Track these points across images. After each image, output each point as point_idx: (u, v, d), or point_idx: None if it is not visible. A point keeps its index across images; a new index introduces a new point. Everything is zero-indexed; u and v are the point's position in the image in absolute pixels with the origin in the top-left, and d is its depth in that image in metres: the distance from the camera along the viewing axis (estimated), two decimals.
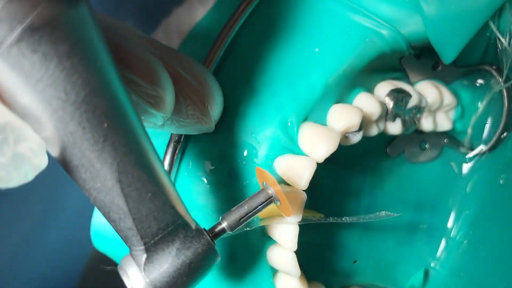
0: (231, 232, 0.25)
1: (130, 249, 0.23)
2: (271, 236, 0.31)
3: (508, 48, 0.33)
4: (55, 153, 0.20)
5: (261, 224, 0.30)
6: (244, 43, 0.32)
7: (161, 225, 0.22)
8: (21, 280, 0.48)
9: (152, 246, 0.22)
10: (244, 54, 0.32)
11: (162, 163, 0.23)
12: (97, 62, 0.19)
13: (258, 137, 0.30)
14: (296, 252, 0.30)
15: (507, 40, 0.33)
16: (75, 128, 0.19)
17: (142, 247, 0.22)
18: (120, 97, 0.20)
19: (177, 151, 0.30)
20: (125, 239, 0.23)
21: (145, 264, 0.23)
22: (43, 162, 0.18)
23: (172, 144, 0.30)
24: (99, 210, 0.22)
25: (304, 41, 0.32)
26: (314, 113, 0.31)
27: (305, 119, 0.31)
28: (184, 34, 0.36)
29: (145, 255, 0.22)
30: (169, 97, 0.24)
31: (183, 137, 0.30)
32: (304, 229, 0.31)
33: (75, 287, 0.52)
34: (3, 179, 0.18)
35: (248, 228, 0.29)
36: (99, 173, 0.20)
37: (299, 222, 0.29)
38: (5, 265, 0.46)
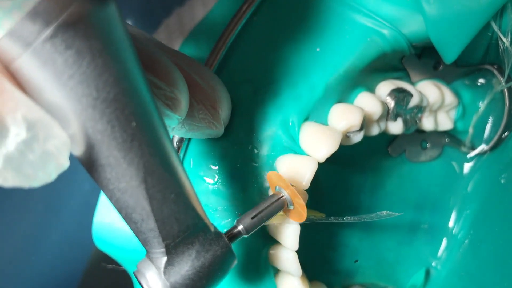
0: (246, 236, 0.26)
1: (148, 252, 0.23)
2: (273, 236, 0.31)
3: (509, 48, 0.33)
4: (80, 151, 0.20)
5: (264, 224, 0.30)
6: (246, 43, 0.32)
7: (183, 227, 0.22)
8: (23, 279, 0.48)
9: (173, 249, 0.22)
10: (246, 54, 0.32)
11: (183, 164, 0.23)
12: (127, 61, 0.19)
13: (260, 137, 0.30)
14: (297, 251, 0.30)
15: (509, 39, 0.33)
16: (104, 126, 0.19)
17: (163, 249, 0.22)
18: (147, 98, 0.20)
19: (179, 150, 0.30)
20: (145, 241, 0.22)
21: (165, 267, 0.22)
22: (66, 162, 0.18)
23: (174, 144, 0.30)
24: (120, 211, 0.22)
25: (305, 41, 0.32)
26: (315, 112, 0.31)
27: (306, 119, 0.31)
28: (185, 34, 0.36)
29: (165, 258, 0.22)
30: (185, 99, 0.24)
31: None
32: (306, 228, 0.31)
33: (76, 287, 0.52)
34: (29, 177, 0.17)
35: None
36: (125, 173, 0.20)
37: (301, 221, 0.29)
38: (6, 265, 0.46)
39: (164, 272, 0.22)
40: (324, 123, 0.32)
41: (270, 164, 0.30)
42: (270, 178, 0.28)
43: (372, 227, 0.41)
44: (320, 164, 0.30)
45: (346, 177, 0.40)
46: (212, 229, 0.24)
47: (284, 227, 0.30)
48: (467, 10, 0.30)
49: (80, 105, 0.18)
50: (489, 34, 0.34)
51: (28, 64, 0.17)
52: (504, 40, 0.33)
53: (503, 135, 0.39)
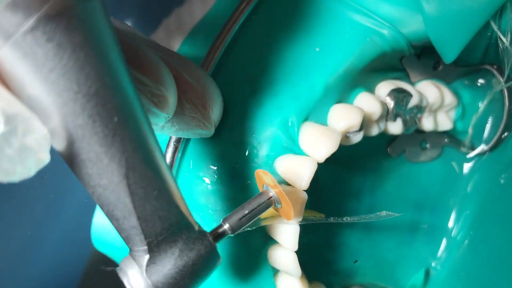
0: (232, 235, 0.25)
1: (131, 250, 0.23)
2: (272, 236, 0.31)
3: (509, 48, 0.33)
4: (61, 146, 0.20)
5: (262, 224, 0.30)
6: (245, 43, 0.32)
7: (165, 224, 0.22)
8: (22, 280, 0.48)
9: (155, 247, 0.22)
10: (245, 54, 0.32)
11: (166, 162, 0.23)
12: (109, 55, 0.19)
13: (259, 137, 0.30)
14: (297, 252, 0.30)
15: (508, 39, 0.33)
16: (85, 121, 0.19)
17: (145, 247, 0.22)
18: (130, 93, 0.20)
19: (177, 151, 0.30)
20: (127, 239, 0.22)
21: (147, 265, 0.22)
22: (46, 157, 0.18)
23: (172, 144, 0.30)
24: (102, 208, 0.22)
25: (304, 41, 0.32)
26: (314, 113, 0.31)
27: (306, 119, 0.31)
28: (185, 33, 0.36)
29: (147, 256, 0.22)
30: (172, 97, 0.24)
31: (183, 137, 0.30)
32: (305, 229, 0.31)
33: (76, 287, 0.51)
34: (7, 172, 0.17)
35: (249, 228, 0.29)
36: (107, 169, 0.20)
37: (300, 222, 0.29)
38: (5, 265, 0.46)
39: (146, 271, 0.22)
40: (324, 123, 0.32)
41: (269, 164, 0.30)
42: (258, 176, 0.28)
43: (371, 227, 0.41)
44: (319, 164, 0.30)
45: (345, 177, 0.39)
46: (196, 228, 0.24)
47: (283, 227, 0.30)
48: (467, 9, 0.30)
49: (60, 99, 0.18)
50: (489, 34, 0.33)
51: (8, 57, 0.17)
52: (504, 40, 0.33)
53: (503, 135, 0.39)
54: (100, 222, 0.34)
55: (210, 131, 0.28)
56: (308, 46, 0.31)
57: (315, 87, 0.31)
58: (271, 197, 0.26)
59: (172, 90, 0.24)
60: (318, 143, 0.30)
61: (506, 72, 0.35)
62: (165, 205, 0.22)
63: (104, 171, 0.20)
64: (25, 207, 0.47)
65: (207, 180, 0.30)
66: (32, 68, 0.17)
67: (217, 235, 0.25)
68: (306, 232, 0.32)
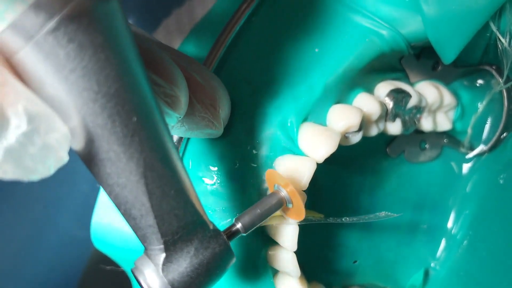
0: (244, 234, 0.26)
1: (147, 249, 0.23)
2: (272, 237, 0.31)
3: (508, 49, 0.33)
4: (79, 146, 0.20)
5: (262, 224, 0.30)
6: (245, 44, 0.32)
7: (182, 223, 0.22)
8: (22, 280, 0.48)
9: (171, 245, 0.22)
10: (244, 55, 0.32)
11: (182, 161, 0.23)
12: (128, 56, 0.19)
13: (258, 138, 0.30)
14: (296, 252, 0.30)
15: (507, 40, 0.33)
16: (105, 121, 0.19)
17: (161, 246, 0.22)
18: (148, 93, 0.20)
19: (177, 151, 0.30)
20: (143, 238, 0.22)
21: (163, 264, 0.22)
22: (66, 155, 0.18)
23: None
24: (119, 207, 0.22)
25: (304, 42, 0.32)
26: (314, 113, 0.31)
27: (305, 120, 0.31)
28: (184, 34, 0.36)
29: (163, 254, 0.22)
30: (184, 97, 0.24)
31: (183, 137, 0.30)
32: (304, 229, 0.31)
33: (76, 287, 0.52)
34: (29, 170, 0.17)
35: None
36: (125, 168, 0.20)
37: (299, 222, 0.29)
38: (6, 265, 0.46)
39: (163, 269, 0.22)
40: (323, 123, 0.32)
41: (269, 164, 0.30)
42: (269, 176, 0.28)
43: (371, 227, 0.41)
44: (318, 164, 0.30)
45: (345, 177, 0.40)
46: (211, 227, 0.24)
47: (282, 228, 0.30)
48: (466, 10, 0.30)
49: (81, 99, 0.18)
50: (488, 34, 0.34)
51: (30, 57, 0.17)
52: (503, 40, 0.33)
53: (502, 136, 0.39)
54: (100, 221, 0.34)
55: (219, 131, 0.29)
56: (307, 47, 0.31)
57: (315, 87, 0.31)
58: (283, 196, 0.27)
59: (184, 90, 0.24)
60: (317, 144, 0.30)
61: (505, 73, 0.35)
62: (181, 204, 0.22)
63: (122, 171, 0.20)
64: (25, 207, 0.47)
65: (207, 181, 0.30)
66: (53, 69, 0.17)
67: (231, 234, 0.25)
68: (306, 233, 0.32)
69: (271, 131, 0.30)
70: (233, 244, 0.30)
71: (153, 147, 0.20)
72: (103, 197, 0.34)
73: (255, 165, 0.30)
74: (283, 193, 0.27)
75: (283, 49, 0.32)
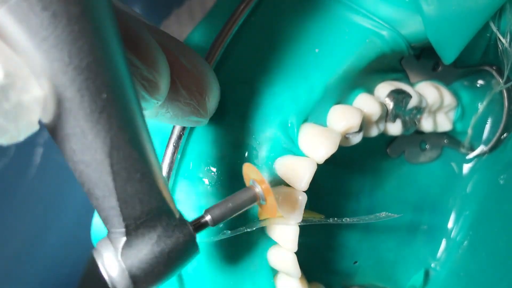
0: (212, 227, 0.25)
1: (109, 231, 0.22)
2: (272, 237, 0.31)
3: (508, 49, 0.33)
4: (48, 118, 0.19)
5: (261, 225, 0.30)
6: (244, 44, 0.32)
7: (146, 208, 0.22)
8: (22, 280, 0.48)
9: (133, 230, 0.21)
10: (244, 55, 0.32)
11: (153, 146, 0.22)
12: (105, 31, 0.19)
13: (259, 138, 0.30)
14: (296, 253, 0.30)
15: (508, 40, 0.33)
16: (74, 94, 0.18)
17: (123, 230, 0.21)
18: (122, 72, 0.20)
19: (176, 152, 0.30)
20: (106, 219, 0.22)
21: (123, 248, 0.21)
22: (37, 123, 0.18)
23: (171, 145, 0.30)
24: (83, 186, 0.21)
25: (304, 42, 0.32)
26: (314, 114, 0.31)
27: (305, 120, 0.31)
28: (184, 34, 0.36)
29: (124, 239, 0.21)
30: (163, 83, 0.23)
31: (182, 137, 0.30)
32: (305, 230, 0.31)
33: (76, 287, 0.52)
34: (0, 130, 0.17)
35: (248, 229, 0.29)
36: (91, 145, 0.19)
37: (299, 223, 0.29)
38: (6, 266, 0.46)
39: (122, 253, 0.21)
40: (323, 124, 0.32)
41: (269, 165, 0.30)
42: (246, 171, 0.28)
43: (371, 228, 0.41)
44: (319, 165, 0.30)
45: (345, 178, 0.40)
46: (177, 216, 0.23)
47: (283, 228, 0.30)
48: (466, 10, 0.30)
49: (51, 69, 0.18)
50: (488, 35, 0.34)
51: (5, 20, 0.17)
52: (503, 40, 0.33)
53: (502, 136, 0.39)
54: (100, 221, 0.34)
55: (205, 119, 0.28)
56: (307, 47, 0.31)
57: (315, 88, 0.31)
58: (257, 193, 0.26)
59: (165, 76, 0.23)
60: (317, 144, 0.30)
61: (506, 73, 0.35)
62: (147, 188, 0.21)
63: (87, 148, 0.20)
64: (25, 207, 0.47)
65: (207, 181, 0.30)
66: (25, 35, 0.17)
67: (198, 225, 0.24)
68: (306, 233, 0.32)
69: (271, 132, 0.30)
70: (233, 244, 0.30)
71: (122, 126, 0.20)
72: None
73: (256, 166, 0.30)
74: (258, 189, 0.26)
75: (282, 49, 0.32)
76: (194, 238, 0.23)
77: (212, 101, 0.28)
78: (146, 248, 0.22)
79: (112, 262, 0.22)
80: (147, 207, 0.22)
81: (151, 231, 0.22)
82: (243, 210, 0.26)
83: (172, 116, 0.26)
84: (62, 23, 0.17)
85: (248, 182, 0.27)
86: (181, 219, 0.23)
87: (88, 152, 0.20)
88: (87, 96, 0.19)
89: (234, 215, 0.25)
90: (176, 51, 0.26)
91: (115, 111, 0.19)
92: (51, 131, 0.20)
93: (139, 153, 0.21)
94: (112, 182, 0.20)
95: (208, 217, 0.25)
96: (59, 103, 0.18)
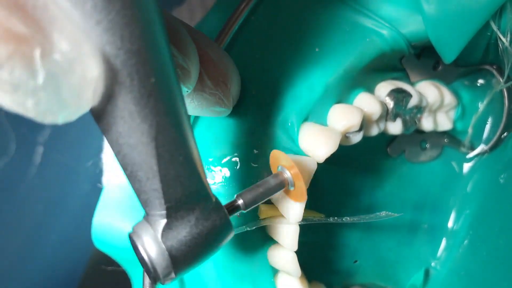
0: (244, 211, 0.26)
1: (148, 214, 0.22)
2: (272, 236, 0.31)
3: (509, 48, 0.33)
4: (96, 101, 0.19)
5: (262, 224, 0.30)
6: (244, 43, 0.32)
7: (186, 191, 0.22)
8: (22, 280, 0.48)
9: (173, 212, 0.22)
10: (244, 54, 0.32)
11: (193, 131, 0.23)
12: (153, 19, 0.19)
13: (259, 138, 0.30)
14: (296, 252, 0.30)
15: (508, 39, 0.33)
16: (124, 78, 0.19)
17: (163, 212, 0.22)
18: (167, 57, 0.20)
19: None
20: (146, 202, 0.22)
21: (163, 230, 0.22)
22: (95, 101, 0.18)
23: None
24: (125, 168, 0.21)
25: (304, 41, 0.32)
26: (314, 113, 0.31)
27: (306, 119, 0.31)
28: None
29: (164, 221, 0.22)
30: (194, 71, 0.24)
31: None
32: (305, 229, 0.31)
33: (76, 287, 0.52)
34: (61, 105, 0.17)
35: (248, 228, 0.29)
36: (137, 128, 0.20)
37: (300, 222, 0.29)
38: (6, 266, 0.46)
39: (162, 235, 0.22)
40: (324, 123, 0.32)
41: (269, 165, 0.30)
42: (273, 157, 0.28)
43: (371, 227, 0.41)
44: (319, 164, 0.30)
45: (345, 177, 0.40)
46: (213, 199, 0.24)
47: (283, 227, 0.30)
48: (466, 9, 0.30)
49: (102, 54, 0.18)
50: (488, 34, 0.33)
51: (62, 3, 0.17)
52: (504, 40, 0.33)
53: (503, 135, 0.39)
54: (100, 221, 0.34)
55: (228, 108, 0.29)
56: (307, 46, 0.31)
57: (315, 87, 0.31)
58: (286, 178, 0.27)
59: (196, 65, 0.24)
60: (317, 143, 0.30)
61: (506, 72, 0.35)
62: (188, 172, 0.22)
63: (134, 131, 0.20)
64: (25, 207, 0.47)
65: (208, 181, 0.30)
66: (80, 17, 0.17)
67: (232, 208, 0.25)
68: (306, 232, 0.32)
69: (271, 131, 0.30)
70: (233, 243, 0.30)
71: (167, 111, 0.20)
72: (105, 197, 0.34)
73: (256, 165, 0.30)
74: (287, 174, 0.27)
75: (283, 48, 0.32)
76: (229, 221, 0.24)
77: (235, 90, 0.29)
78: (185, 230, 0.22)
79: (152, 243, 0.22)
80: (188, 190, 0.22)
81: (190, 214, 0.22)
82: (272, 195, 0.27)
83: (196, 106, 0.27)
84: (116, 8, 0.17)
85: (275, 169, 0.28)
86: (217, 202, 0.24)
87: (135, 135, 0.20)
88: (137, 80, 0.19)
89: (264, 200, 0.26)
90: (203, 44, 0.27)
91: (162, 96, 0.20)
92: (97, 114, 0.20)
93: (181, 137, 0.21)
94: (156, 164, 0.21)
95: (240, 201, 0.25)
96: (111, 86, 0.19)
